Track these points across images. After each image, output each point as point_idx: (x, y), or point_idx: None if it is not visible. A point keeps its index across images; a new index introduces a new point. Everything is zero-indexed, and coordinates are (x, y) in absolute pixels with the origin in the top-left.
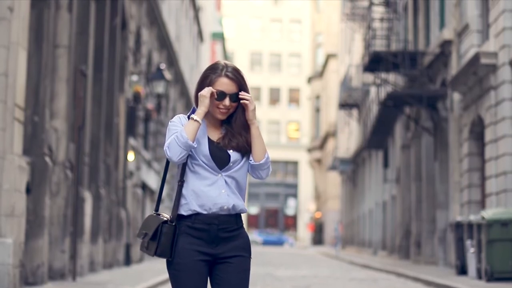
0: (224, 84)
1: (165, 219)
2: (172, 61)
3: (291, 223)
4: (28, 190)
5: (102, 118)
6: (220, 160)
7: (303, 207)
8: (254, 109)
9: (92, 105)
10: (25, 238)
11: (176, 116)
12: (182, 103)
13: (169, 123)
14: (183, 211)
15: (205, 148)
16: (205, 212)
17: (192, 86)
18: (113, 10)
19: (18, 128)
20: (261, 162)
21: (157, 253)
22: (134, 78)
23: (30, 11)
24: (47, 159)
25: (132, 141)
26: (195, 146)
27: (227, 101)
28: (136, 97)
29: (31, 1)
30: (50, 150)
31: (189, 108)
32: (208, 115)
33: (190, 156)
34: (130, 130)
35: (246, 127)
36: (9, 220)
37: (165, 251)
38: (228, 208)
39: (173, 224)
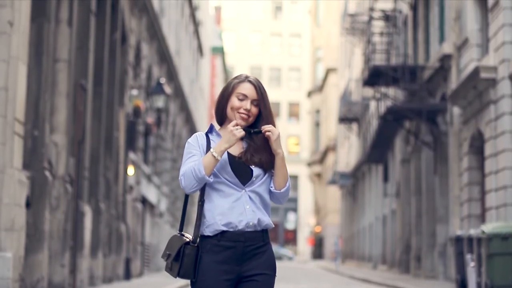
0: (247, 88)
1: (188, 239)
2: (172, 75)
3: (291, 237)
4: (28, 204)
5: (102, 132)
6: (243, 176)
7: (303, 221)
8: (278, 138)
9: (92, 119)
10: (25, 252)
11: (193, 136)
12: (182, 117)
13: (186, 144)
14: (209, 232)
15: (226, 164)
16: (231, 230)
17: (192, 100)
18: (113, 25)
19: (18, 142)
20: (282, 191)
21: (180, 274)
22: (134, 92)
23: (30, 25)
24: (47, 173)
25: (132, 155)
26: (211, 180)
27: (248, 105)
28: (136, 111)
29: (31, 15)
30: (50, 164)
31: (189, 123)
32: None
33: (213, 174)
34: (130, 144)
35: (267, 141)
36: (9, 234)
37: (188, 272)
38: (254, 224)
39: (195, 245)
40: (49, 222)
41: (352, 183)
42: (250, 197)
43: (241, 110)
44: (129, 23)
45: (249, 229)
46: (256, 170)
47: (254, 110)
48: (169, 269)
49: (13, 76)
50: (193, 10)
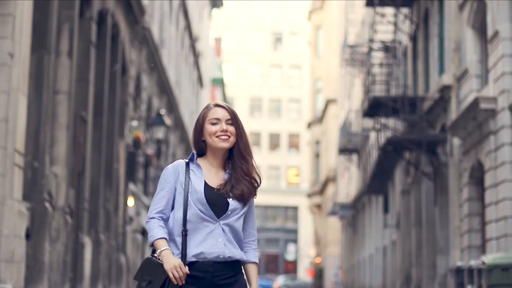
0: (217, 112)
1: None
2: (172, 106)
3: (291, 268)
4: (27, 236)
5: (102, 163)
6: (218, 208)
7: (303, 252)
8: None
9: (92, 150)
10: (24, 284)
11: (173, 165)
12: (182, 149)
13: (164, 171)
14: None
15: (202, 196)
16: (200, 260)
17: (192, 132)
18: (113, 56)
19: (18, 173)
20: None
21: None
22: (134, 123)
23: (30, 57)
24: (47, 204)
25: (132, 186)
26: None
27: (224, 125)
28: (136, 143)
29: (31, 47)
30: (50, 195)
31: (189, 154)
32: (210, 159)
33: (189, 205)
34: (130, 176)
35: (249, 149)
36: (8, 265)
37: None
38: (225, 257)
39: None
40: (49, 253)
41: (352, 214)
42: (223, 230)
43: (218, 133)
44: (129, 55)
45: (219, 260)
46: (233, 203)
47: (231, 128)
48: None
49: (14, 108)
50: (193, 41)
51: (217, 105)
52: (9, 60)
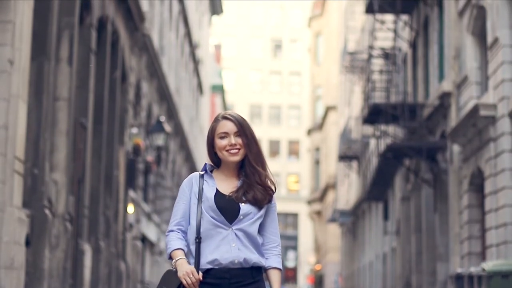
0: (225, 125)
1: None
2: (172, 113)
3: (291, 275)
4: (27, 243)
5: (101, 170)
6: (229, 214)
7: (303, 259)
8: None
9: (92, 157)
10: None
11: (188, 179)
12: (182, 156)
13: (181, 186)
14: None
15: (212, 203)
16: (216, 267)
17: (192, 138)
18: (113, 63)
19: (17, 180)
20: None
21: None
22: (134, 130)
23: (30, 64)
24: (47, 211)
25: (132, 193)
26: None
27: (232, 139)
28: (136, 150)
29: (31, 54)
30: (49, 202)
31: (189, 161)
32: (224, 170)
33: (202, 213)
34: (130, 183)
35: (259, 159)
36: (8, 272)
37: None
38: (240, 261)
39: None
40: (49, 260)
41: (352, 221)
42: (236, 235)
43: (227, 148)
44: (129, 62)
45: (234, 266)
46: (245, 208)
47: (240, 140)
48: None
49: (13, 115)
50: (193, 48)
51: (225, 117)
52: (9, 67)
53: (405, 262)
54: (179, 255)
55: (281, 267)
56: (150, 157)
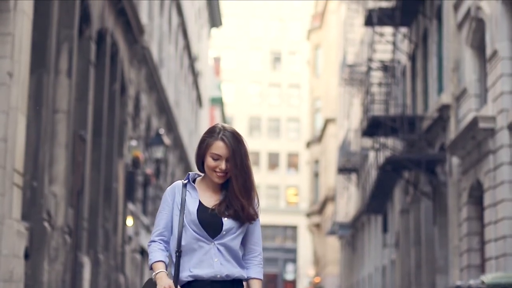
0: (220, 147)
1: None
2: (171, 126)
3: None
4: (26, 255)
5: (101, 183)
6: (212, 229)
7: (302, 272)
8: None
9: (91, 170)
10: None
11: (171, 188)
12: (181, 168)
13: (164, 194)
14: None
15: (195, 217)
16: (199, 280)
17: (191, 151)
18: (112, 76)
19: (17, 193)
20: None
21: None
22: (133, 143)
23: (30, 76)
24: (46, 224)
25: (131, 206)
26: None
27: (223, 165)
28: (135, 162)
29: (30, 67)
30: (48, 215)
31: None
32: (208, 180)
33: (184, 226)
34: (129, 195)
35: (244, 191)
36: (7, 285)
37: None
38: (222, 276)
39: None
40: (48, 273)
41: (351, 233)
42: (219, 250)
43: (217, 170)
44: (128, 74)
45: (216, 280)
46: (227, 223)
47: (229, 166)
48: None
49: (13, 127)
50: (192, 61)
51: (222, 139)
52: (8, 79)
53: (404, 275)
54: (159, 267)
55: (261, 277)
56: (149, 169)
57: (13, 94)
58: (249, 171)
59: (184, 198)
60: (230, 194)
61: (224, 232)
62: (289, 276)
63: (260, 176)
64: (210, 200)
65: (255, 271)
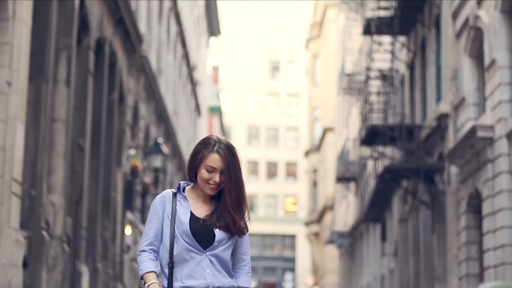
0: (215, 160)
1: None
2: (170, 135)
3: None
4: (25, 265)
5: (99, 192)
6: (204, 240)
7: (301, 281)
8: None
9: (90, 179)
10: None
11: (161, 196)
12: (180, 177)
13: (152, 202)
14: None
15: (187, 228)
16: None
17: None
18: (111, 85)
19: (15, 202)
20: None
21: None
22: (132, 152)
23: (28, 85)
24: (44, 233)
25: (129, 215)
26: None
27: (217, 178)
28: (134, 171)
29: (29, 76)
30: (47, 224)
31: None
32: (199, 190)
33: (175, 237)
34: (128, 204)
35: (236, 205)
36: None
37: None
38: (214, 287)
39: None
40: (46, 282)
41: (350, 242)
42: (210, 261)
43: (211, 182)
44: (127, 83)
45: None
46: (219, 234)
47: (223, 178)
48: None
49: (11, 136)
50: (190, 70)
51: (218, 152)
52: (7, 88)
53: (403, 284)
54: (151, 279)
55: (250, 285)
56: (147, 178)
57: (11, 103)
58: (242, 185)
59: (175, 208)
60: (222, 207)
61: (216, 243)
62: (287, 285)
63: (259, 185)
64: (201, 210)
65: (244, 279)
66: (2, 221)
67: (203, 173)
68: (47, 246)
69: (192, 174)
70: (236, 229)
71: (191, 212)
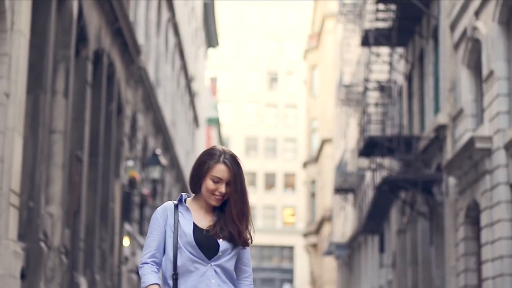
0: (221, 171)
1: None
2: (168, 146)
3: None
4: (23, 276)
5: (97, 203)
6: (208, 250)
7: None
8: None
9: (88, 190)
10: None
11: (162, 208)
12: (178, 188)
13: (153, 215)
14: None
15: (191, 239)
16: None
17: (188, 171)
18: (109, 96)
19: (13, 213)
20: None
21: None
22: (130, 163)
23: (26, 96)
24: (42, 244)
25: (127, 226)
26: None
27: (223, 188)
28: (132, 183)
29: (27, 87)
30: (45, 235)
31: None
32: (201, 201)
33: (179, 248)
34: (126, 216)
35: (242, 216)
36: None
37: None
38: None
39: None
40: None
41: (348, 253)
42: (215, 271)
43: (216, 193)
44: (125, 94)
45: None
46: (223, 245)
47: (229, 189)
48: None
49: (9, 147)
50: (188, 81)
51: (225, 162)
52: (5, 99)
53: None
54: None
55: None
56: (145, 190)
57: (9, 114)
58: (247, 196)
59: (177, 219)
60: (227, 218)
61: (221, 253)
62: None
63: (257, 196)
64: (204, 221)
65: None
66: (0, 233)
67: (208, 183)
68: (45, 257)
69: (195, 185)
70: (242, 240)
71: (194, 223)
